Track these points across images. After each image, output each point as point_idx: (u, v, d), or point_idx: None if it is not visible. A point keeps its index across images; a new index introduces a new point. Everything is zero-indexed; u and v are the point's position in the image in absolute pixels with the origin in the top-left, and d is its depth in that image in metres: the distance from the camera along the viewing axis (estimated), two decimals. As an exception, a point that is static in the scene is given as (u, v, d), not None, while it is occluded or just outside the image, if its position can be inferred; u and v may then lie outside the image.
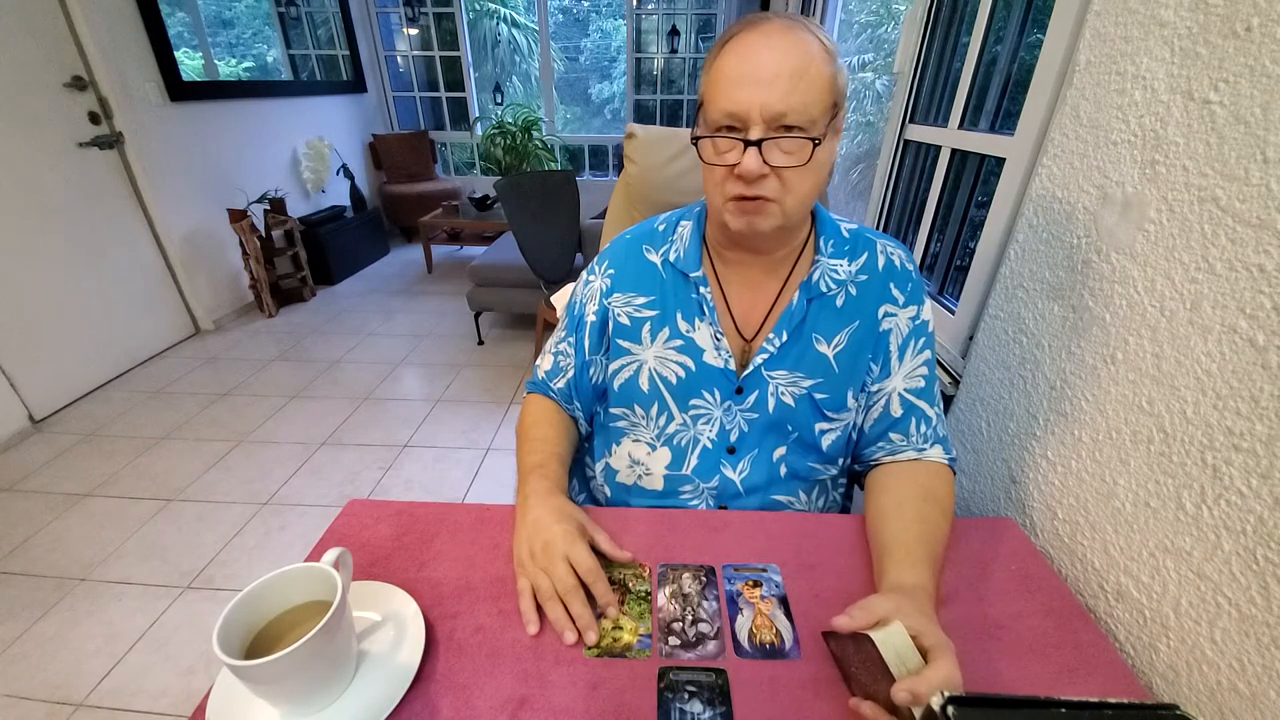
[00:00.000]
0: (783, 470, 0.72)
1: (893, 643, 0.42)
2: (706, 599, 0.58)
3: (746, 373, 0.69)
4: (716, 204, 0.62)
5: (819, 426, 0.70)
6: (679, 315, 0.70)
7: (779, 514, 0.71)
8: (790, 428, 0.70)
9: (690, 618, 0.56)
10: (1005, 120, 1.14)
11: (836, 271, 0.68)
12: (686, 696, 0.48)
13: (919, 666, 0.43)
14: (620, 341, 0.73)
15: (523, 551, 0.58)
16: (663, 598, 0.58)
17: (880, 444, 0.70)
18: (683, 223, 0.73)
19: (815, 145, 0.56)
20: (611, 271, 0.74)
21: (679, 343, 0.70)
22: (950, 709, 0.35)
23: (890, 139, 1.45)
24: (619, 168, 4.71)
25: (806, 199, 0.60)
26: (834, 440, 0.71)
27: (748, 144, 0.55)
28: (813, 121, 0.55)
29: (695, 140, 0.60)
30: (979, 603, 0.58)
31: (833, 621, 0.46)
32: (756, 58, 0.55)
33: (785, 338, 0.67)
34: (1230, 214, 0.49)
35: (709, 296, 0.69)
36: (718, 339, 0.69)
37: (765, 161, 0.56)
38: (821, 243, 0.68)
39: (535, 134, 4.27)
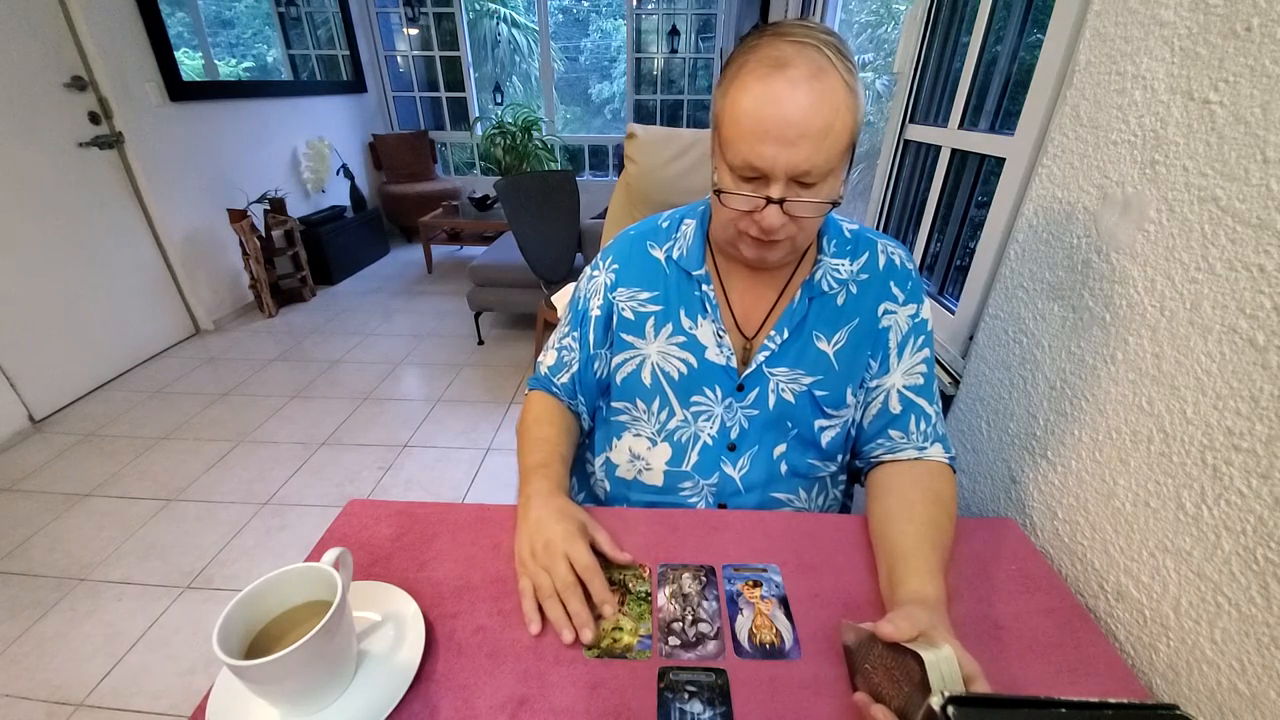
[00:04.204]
0: (783, 468, 0.72)
1: (941, 668, 0.42)
2: (706, 599, 0.58)
3: (748, 370, 0.69)
4: (729, 233, 0.63)
5: (818, 423, 0.71)
6: (682, 312, 0.71)
7: (779, 513, 0.71)
8: (790, 424, 0.71)
9: (690, 618, 0.56)
10: (1005, 120, 1.14)
11: (838, 271, 0.68)
12: (686, 696, 0.48)
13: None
14: (624, 335, 0.73)
15: (524, 551, 0.58)
16: (663, 598, 0.58)
17: (880, 440, 0.71)
18: (686, 221, 0.73)
19: (834, 205, 0.57)
20: (616, 266, 0.74)
21: (681, 339, 0.71)
22: (950, 709, 0.35)
23: (890, 139, 1.45)
24: (619, 168, 4.71)
25: (816, 229, 0.63)
26: (833, 437, 0.72)
27: (770, 201, 0.55)
28: (832, 170, 0.55)
29: (717, 193, 0.59)
30: (979, 603, 0.58)
31: (878, 628, 0.45)
32: (782, 112, 0.52)
33: (786, 335, 0.68)
34: (1230, 214, 0.49)
35: (711, 294, 0.69)
36: (720, 336, 0.69)
37: (785, 212, 0.56)
38: (824, 242, 0.69)
39: (535, 134, 4.27)
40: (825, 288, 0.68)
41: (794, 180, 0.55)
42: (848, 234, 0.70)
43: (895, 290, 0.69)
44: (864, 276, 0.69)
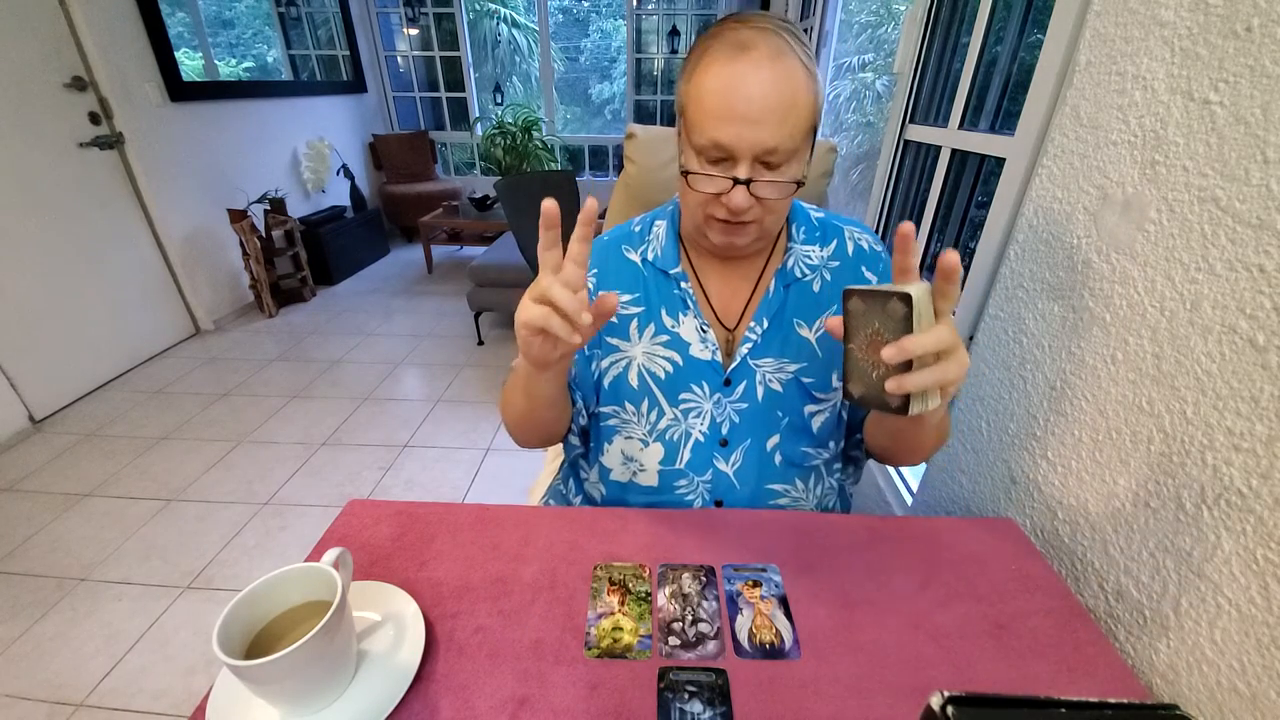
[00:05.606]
0: (777, 459, 0.73)
1: (921, 305, 0.44)
2: (706, 599, 0.58)
3: (734, 365, 0.70)
4: (697, 219, 0.64)
5: (808, 409, 0.72)
6: (663, 311, 0.72)
7: (778, 513, 0.71)
8: (780, 413, 0.71)
9: (690, 618, 0.56)
10: (1005, 120, 1.14)
11: (809, 257, 0.70)
12: (686, 696, 0.48)
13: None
14: (609, 339, 0.74)
15: (518, 325, 0.50)
16: (662, 598, 0.58)
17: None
18: (657, 222, 0.75)
19: (799, 185, 0.58)
20: (595, 271, 0.75)
21: (665, 338, 0.71)
22: (950, 709, 0.35)
23: (890, 139, 1.45)
24: (619, 168, 4.71)
25: (784, 214, 0.64)
26: (823, 422, 0.73)
27: (737, 181, 0.56)
28: (796, 150, 0.57)
29: (684, 174, 0.60)
30: (979, 603, 0.58)
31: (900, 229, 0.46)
32: (746, 92, 0.54)
33: (766, 325, 0.69)
34: (1230, 214, 0.49)
35: (689, 290, 0.70)
36: (703, 331, 0.70)
37: (751, 194, 0.57)
38: (793, 230, 0.71)
39: (535, 134, 4.27)
40: (798, 274, 0.70)
41: (759, 162, 0.56)
42: (815, 221, 0.73)
43: (868, 275, 0.72)
44: (835, 264, 0.71)
